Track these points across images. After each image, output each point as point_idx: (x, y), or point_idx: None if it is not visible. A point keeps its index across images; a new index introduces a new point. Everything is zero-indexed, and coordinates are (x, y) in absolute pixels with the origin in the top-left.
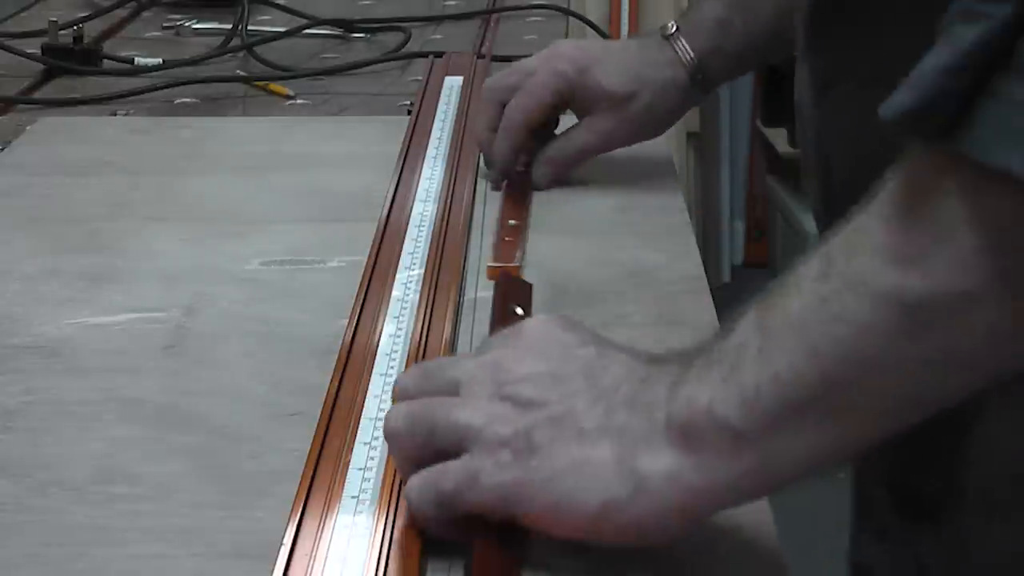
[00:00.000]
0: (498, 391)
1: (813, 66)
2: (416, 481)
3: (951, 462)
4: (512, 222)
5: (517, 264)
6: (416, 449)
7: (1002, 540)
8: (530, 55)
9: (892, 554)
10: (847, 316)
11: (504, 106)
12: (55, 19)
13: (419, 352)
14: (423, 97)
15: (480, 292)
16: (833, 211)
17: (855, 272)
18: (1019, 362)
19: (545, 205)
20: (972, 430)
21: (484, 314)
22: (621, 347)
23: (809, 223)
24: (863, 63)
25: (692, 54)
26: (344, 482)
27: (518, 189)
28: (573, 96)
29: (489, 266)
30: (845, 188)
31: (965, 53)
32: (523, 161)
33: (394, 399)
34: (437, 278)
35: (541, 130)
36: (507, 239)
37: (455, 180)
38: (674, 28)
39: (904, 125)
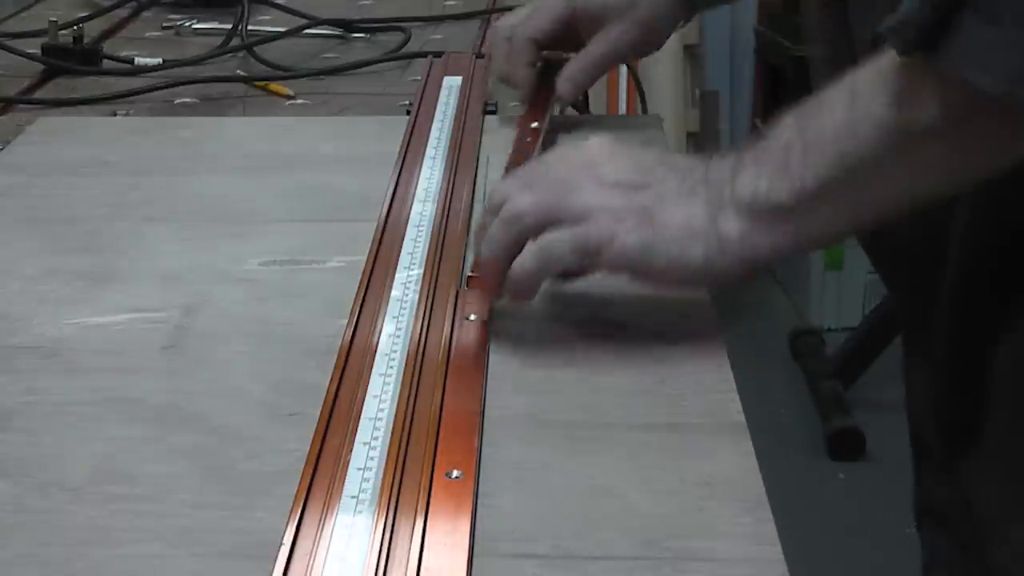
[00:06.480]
0: (601, 181)
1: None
2: (561, 234)
3: (981, 384)
4: (534, 124)
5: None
6: (540, 223)
7: None
8: None
9: (951, 487)
10: (867, 137)
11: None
12: (55, 19)
13: (418, 352)
14: (422, 97)
15: None
16: None
17: (874, 109)
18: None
19: None
20: (998, 352)
21: None
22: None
23: None
24: None
25: None
26: (344, 482)
27: (538, 95)
28: (577, 19)
29: (469, 276)
30: None
31: None
32: (539, 67)
33: (494, 211)
34: (436, 278)
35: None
36: (528, 139)
37: (454, 180)
38: None
39: (889, 39)
